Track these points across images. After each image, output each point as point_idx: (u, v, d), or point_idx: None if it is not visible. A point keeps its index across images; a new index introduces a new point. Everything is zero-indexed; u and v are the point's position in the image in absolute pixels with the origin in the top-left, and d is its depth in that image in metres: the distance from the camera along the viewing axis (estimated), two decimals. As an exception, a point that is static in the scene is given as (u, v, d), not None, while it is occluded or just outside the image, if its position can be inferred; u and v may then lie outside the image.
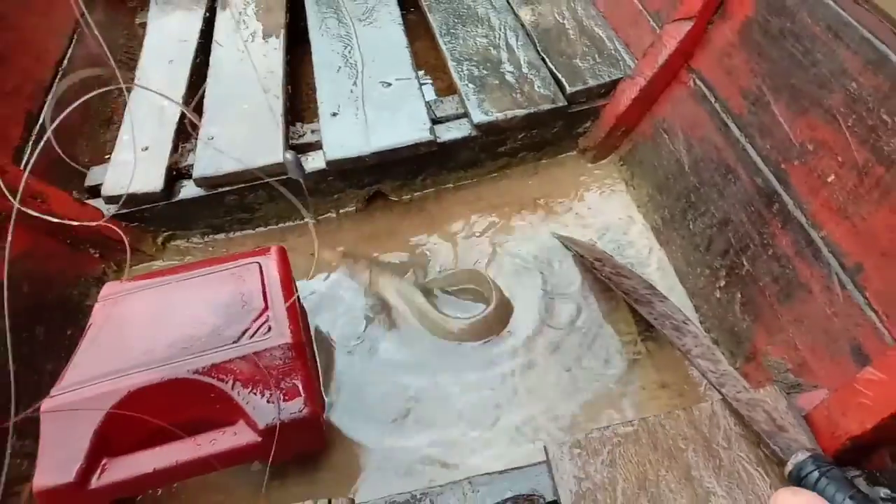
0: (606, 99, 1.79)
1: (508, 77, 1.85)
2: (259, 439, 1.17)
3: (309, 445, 1.29)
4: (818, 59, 1.26)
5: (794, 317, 1.21)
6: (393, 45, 2.01)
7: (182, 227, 1.79)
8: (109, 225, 1.48)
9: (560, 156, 1.88)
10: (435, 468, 1.29)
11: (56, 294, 1.58)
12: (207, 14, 2.24)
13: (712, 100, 1.51)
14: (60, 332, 1.49)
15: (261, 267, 1.37)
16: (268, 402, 1.18)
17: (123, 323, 1.31)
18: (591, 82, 1.79)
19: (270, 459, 1.16)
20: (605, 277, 1.47)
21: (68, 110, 1.04)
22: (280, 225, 1.81)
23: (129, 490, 1.21)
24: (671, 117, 1.65)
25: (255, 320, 1.26)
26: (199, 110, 1.88)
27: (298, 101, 2.10)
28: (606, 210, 1.73)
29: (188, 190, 1.73)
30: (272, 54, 2.04)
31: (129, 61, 2.22)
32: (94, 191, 1.75)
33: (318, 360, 1.47)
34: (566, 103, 1.77)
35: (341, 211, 1.83)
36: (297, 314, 1.31)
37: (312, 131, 1.81)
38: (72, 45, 2.05)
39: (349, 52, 2.00)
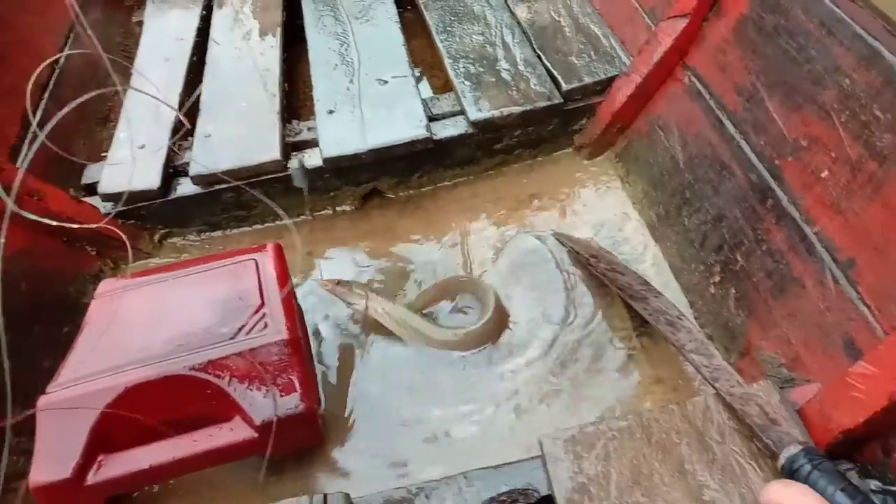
0: (602, 96, 1.80)
1: (504, 74, 1.85)
2: (255, 435, 1.18)
3: (305, 441, 1.30)
4: (812, 55, 1.26)
5: (788, 312, 1.22)
6: (389, 42, 2.01)
7: (179, 225, 1.79)
8: (110, 227, 1.48)
9: (556, 153, 1.89)
10: (430, 463, 1.29)
11: (53, 291, 1.58)
12: (204, 12, 2.24)
13: (707, 97, 1.52)
14: (57, 329, 1.50)
15: (257, 264, 1.37)
16: (264, 398, 1.19)
17: (120, 320, 1.32)
18: (587, 80, 1.79)
19: (267, 455, 1.17)
20: (600, 274, 1.47)
21: (61, 113, 1.04)
22: (277, 222, 1.81)
23: (125, 486, 1.22)
24: (666, 114, 1.66)
25: (251, 317, 1.27)
26: (195, 109, 1.88)
27: (295, 99, 2.10)
28: (602, 207, 1.74)
29: (185, 187, 1.74)
30: (269, 52, 2.04)
31: (126, 59, 2.21)
32: (91, 188, 1.76)
33: (313, 356, 1.47)
34: (562, 100, 1.78)
35: (338, 208, 1.84)
36: (294, 310, 1.32)
37: (309, 129, 1.82)
38: (68, 44, 2.05)
39: (346, 49, 2.00)
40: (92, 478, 1.14)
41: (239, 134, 1.77)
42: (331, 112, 1.80)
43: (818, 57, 1.25)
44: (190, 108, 1.90)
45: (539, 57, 1.89)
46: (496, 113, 1.75)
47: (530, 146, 1.86)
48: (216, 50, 2.07)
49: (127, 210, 1.71)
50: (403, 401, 1.40)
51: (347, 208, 1.83)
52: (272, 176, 1.72)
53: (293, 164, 1.72)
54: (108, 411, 1.17)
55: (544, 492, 1.04)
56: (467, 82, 1.84)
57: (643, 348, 1.42)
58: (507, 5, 2.08)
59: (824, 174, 1.19)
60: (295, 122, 1.86)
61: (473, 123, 1.76)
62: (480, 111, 1.76)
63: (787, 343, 1.21)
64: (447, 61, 1.92)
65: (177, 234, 1.81)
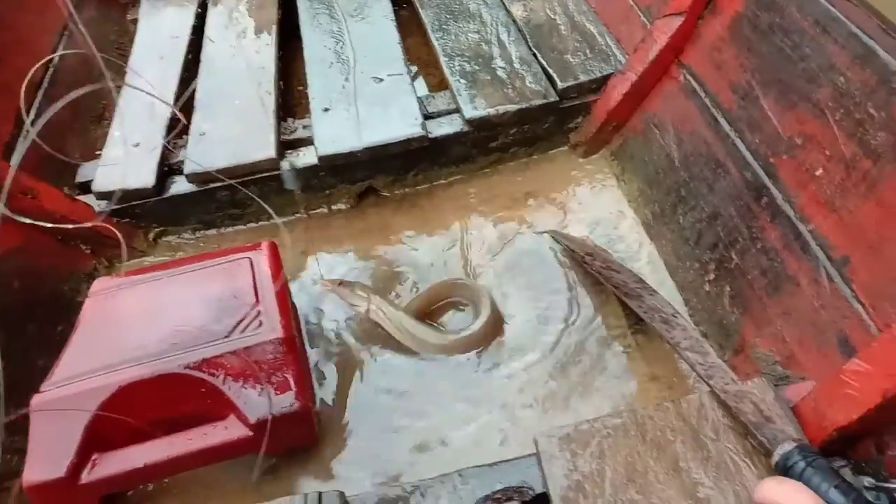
0: (597, 94, 1.80)
1: (500, 72, 1.85)
2: (250, 434, 1.18)
3: (300, 440, 1.29)
4: (807, 53, 1.26)
5: (783, 309, 1.22)
6: (385, 40, 2.01)
7: (173, 223, 1.79)
8: (106, 225, 1.48)
9: (551, 151, 1.89)
10: (425, 461, 1.29)
11: (47, 290, 1.58)
12: (199, 10, 2.23)
13: (702, 95, 1.52)
14: (51, 327, 1.49)
15: (252, 262, 1.37)
16: (259, 396, 1.18)
17: (114, 318, 1.32)
18: (583, 78, 1.79)
19: (261, 453, 1.17)
20: (595, 272, 1.47)
21: (53, 109, 1.03)
22: (272, 221, 1.81)
23: (120, 485, 1.22)
24: (662, 112, 1.66)
25: (245, 315, 1.27)
26: (190, 107, 1.88)
27: (290, 97, 2.10)
28: (597, 205, 1.74)
29: (179, 186, 1.73)
30: (264, 50, 2.04)
31: (121, 57, 2.21)
32: (85, 187, 1.75)
33: (308, 354, 1.47)
34: (557, 99, 1.78)
35: (333, 207, 1.83)
36: (288, 309, 1.32)
37: (304, 127, 1.81)
38: (62, 43, 2.04)
39: (341, 47, 2.00)
40: (86, 476, 1.14)
41: (234, 132, 1.77)
42: (326, 110, 1.80)
43: (813, 55, 1.25)
44: (185, 106, 1.90)
45: (535, 55, 1.89)
46: (492, 111, 1.75)
47: (526, 144, 1.86)
48: (211, 48, 2.07)
49: (121, 208, 1.71)
50: (399, 400, 1.40)
51: (343, 206, 1.83)
52: (267, 174, 1.71)
53: (284, 165, 1.71)
54: (100, 409, 1.17)
55: (539, 489, 1.03)
56: (463, 80, 1.83)
57: (638, 346, 1.42)
58: (503, 3, 2.08)
59: (819, 172, 1.20)
60: (290, 120, 1.85)
61: (469, 121, 1.76)
62: (476, 109, 1.75)
63: (782, 341, 1.21)
64: (443, 59, 1.92)
65: (171, 233, 1.80)
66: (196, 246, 1.79)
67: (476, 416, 1.36)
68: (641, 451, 1.03)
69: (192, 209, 1.76)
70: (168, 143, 1.78)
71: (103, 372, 1.19)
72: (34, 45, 1.95)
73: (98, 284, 1.39)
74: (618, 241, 1.64)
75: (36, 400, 1.17)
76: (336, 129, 1.74)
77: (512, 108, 1.75)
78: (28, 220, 1.09)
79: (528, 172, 1.85)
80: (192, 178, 1.71)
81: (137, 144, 1.77)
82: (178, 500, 1.29)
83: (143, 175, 1.70)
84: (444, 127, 1.78)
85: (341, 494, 1.04)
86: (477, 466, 1.08)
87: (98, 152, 1.82)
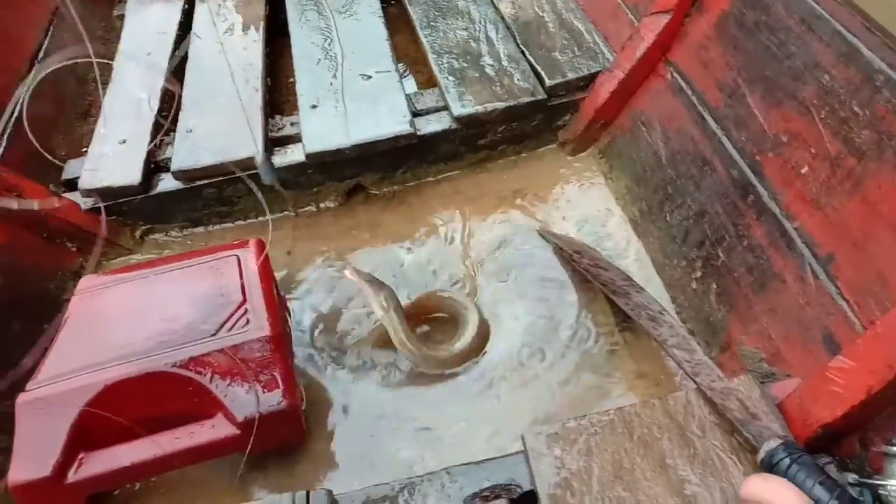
0: (585, 92, 1.80)
1: (488, 70, 1.85)
2: (238, 432, 1.17)
3: (288, 438, 1.29)
4: (792, 51, 1.27)
5: (768, 307, 1.23)
6: (373, 37, 2.01)
7: (160, 221, 1.78)
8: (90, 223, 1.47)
9: (540, 149, 1.89)
10: (414, 459, 1.29)
11: (33, 288, 1.57)
12: (186, 6, 2.22)
13: (689, 92, 1.53)
14: (37, 326, 1.48)
15: (239, 260, 1.36)
16: (246, 394, 1.18)
17: (100, 316, 1.31)
18: (571, 75, 1.80)
19: (247, 452, 1.17)
20: (583, 269, 1.48)
21: (23, 94, 1.02)
22: (259, 218, 1.80)
23: (106, 484, 1.21)
24: (649, 110, 1.66)
25: (233, 313, 1.26)
26: (177, 104, 1.87)
27: (278, 94, 2.09)
28: (585, 202, 1.74)
29: (166, 183, 1.72)
30: (251, 46, 2.03)
31: (107, 54, 2.19)
32: (71, 184, 1.74)
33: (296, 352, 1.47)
34: (546, 96, 1.78)
35: (321, 204, 1.83)
36: (276, 307, 1.31)
37: (292, 124, 1.81)
38: (48, 37, 2.03)
39: (329, 44, 1.99)
40: (72, 476, 1.14)
41: (221, 129, 1.76)
42: (314, 107, 1.79)
43: (798, 53, 1.26)
44: (171, 103, 1.89)
45: (523, 52, 1.89)
46: (480, 108, 1.75)
47: (514, 142, 1.86)
48: (198, 44, 2.06)
49: (108, 206, 1.69)
50: (388, 399, 1.40)
51: (331, 204, 1.83)
52: (254, 171, 1.70)
53: (258, 159, 1.69)
54: (88, 408, 1.16)
55: (527, 487, 1.04)
56: (451, 78, 1.83)
57: (626, 343, 1.43)
58: (491, 0, 2.08)
59: (804, 170, 1.20)
60: (278, 116, 1.85)
61: (457, 119, 1.76)
62: (464, 107, 1.75)
63: (768, 338, 1.22)
64: (431, 56, 1.92)
65: (158, 230, 1.79)
66: (183, 244, 1.78)
67: (464, 413, 1.36)
68: (628, 448, 1.03)
69: (178, 206, 1.75)
70: (154, 141, 1.77)
71: (89, 370, 1.19)
72: (18, 39, 1.93)
73: (84, 283, 1.38)
74: (605, 239, 1.64)
75: (21, 399, 1.16)
76: (324, 127, 1.74)
77: (500, 105, 1.75)
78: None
79: (516, 170, 1.85)
80: (178, 175, 1.70)
81: (124, 141, 1.76)
82: (165, 498, 1.28)
83: (129, 172, 1.69)
84: (433, 124, 1.78)
85: (329, 493, 1.04)
86: (465, 464, 1.08)
87: (84, 149, 1.80)
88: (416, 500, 1.04)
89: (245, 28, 2.10)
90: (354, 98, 1.80)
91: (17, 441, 1.14)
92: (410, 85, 2.12)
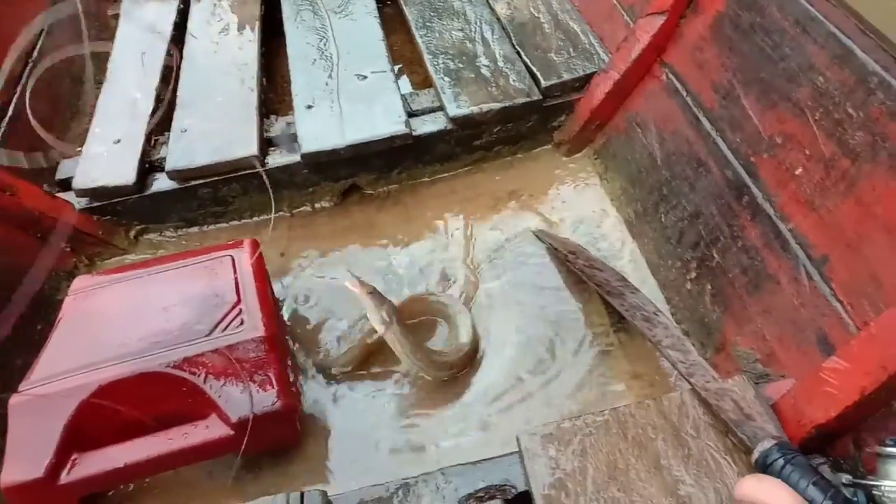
0: (581, 93, 1.80)
1: (484, 71, 1.85)
2: (232, 433, 1.17)
3: (282, 438, 1.29)
4: (787, 53, 1.27)
5: (763, 308, 1.23)
6: (368, 37, 2.00)
7: (155, 221, 1.77)
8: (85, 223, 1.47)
9: (535, 150, 1.89)
10: (409, 460, 1.29)
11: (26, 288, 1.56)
12: (181, 6, 2.21)
13: (684, 94, 1.53)
14: (30, 326, 1.48)
15: (234, 260, 1.36)
16: (240, 395, 1.18)
17: (94, 316, 1.31)
18: (566, 76, 1.80)
19: (241, 452, 1.16)
20: (578, 270, 1.48)
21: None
22: (254, 218, 1.80)
23: (100, 485, 1.21)
24: (644, 111, 1.67)
25: (227, 313, 1.26)
26: (171, 102, 1.86)
27: (273, 94, 2.08)
28: (580, 203, 1.74)
29: (161, 183, 1.72)
30: (247, 46, 2.03)
31: (102, 53, 2.19)
32: (66, 184, 1.73)
33: (293, 352, 1.47)
34: (541, 97, 1.78)
35: (316, 205, 1.83)
36: (271, 307, 1.31)
37: (287, 124, 1.80)
38: (42, 36, 2.02)
39: (324, 44, 1.99)
40: (65, 477, 1.13)
41: (216, 129, 1.76)
42: (309, 107, 1.79)
43: (793, 55, 1.26)
44: (166, 102, 1.88)
45: (518, 53, 1.89)
46: (475, 109, 1.75)
47: (509, 143, 1.86)
48: (193, 44, 2.05)
49: (102, 206, 1.69)
50: (383, 399, 1.40)
51: (326, 204, 1.82)
52: (250, 171, 1.70)
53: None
54: (83, 405, 1.16)
55: (522, 488, 1.04)
56: (447, 78, 1.83)
57: (620, 344, 1.43)
58: (487, 1, 2.08)
59: (798, 171, 1.21)
60: (273, 117, 1.84)
61: (453, 119, 1.75)
62: (460, 107, 1.75)
63: (762, 339, 1.22)
64: (427, 57, 1.92)
65: (153, 230, 1.79)
66: (178, 244, 1.78)
67: (459, 414, 1.36)
68: (623, 448, 1.03)
69: (173, 206, 1.75)
70: (149, 139, 1.76)
71: (83, 371, 1.19)
72: (10, 39, 1.93)
73: (78, 283, 1.37)
74: (600, 240, 1.64)
75: (14, 399, 1.16)
76: (319, 127, 1.73)
77: (496, 106, 1.75)
78: None
79: (511, 171, 1.85)
80: (173, 175, 1.69)
81: (118, 141, 1.75)
82: (159, 499, 1.28)
83: (124, 172, 1.68)
84: (428, 125, 1.78)
85: (324, 494, 1.04)
86: (460, 465, 1.08)
87: (79, 149, 1.80)
88: (411, 500, 1.04)
89: (240, 28, 2.10)
90: (350, 98, 1.79)
91: (9, 442, 1.13)
92: (406, 85, 2.12)
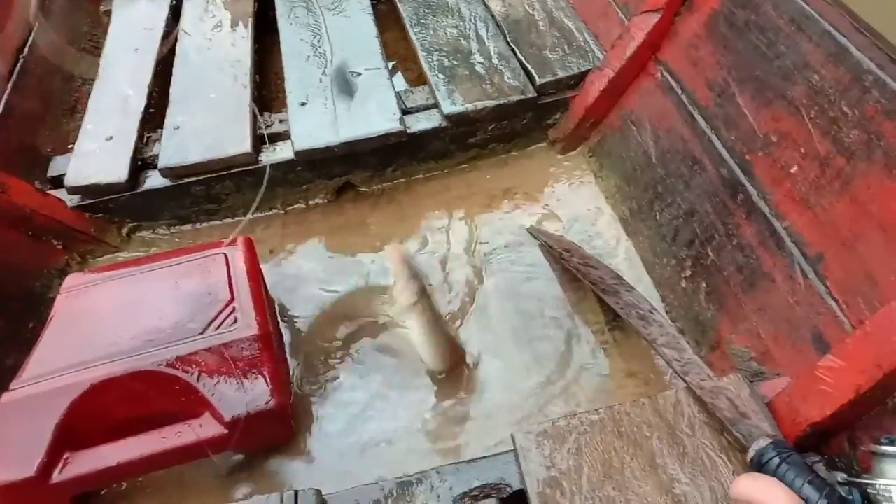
0: (576, 90, 1.80)
1: (478, 68, 1.84)
2: (225, 431, 1.16)
3: (276, 437, 1.28)
4: (782, 51, 1.27)
5: (758, 306, 1.23)
6: (363, 34, 1.99)
7: (148, 218, 1.76)
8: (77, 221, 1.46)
9: (530, 147, 1.88)
10: (403, 459, 1.28)
11: (18, 286, 1.55)
12: (174, 2, 2.20)
13: (679, 91, 1.53)
14: (22, 324, 1.47)
15: (227, 258, 1.35)
16: (234, 393, 1.17)
17: (86, 315, 1.30)
18: (561, 74, 1.79)
19: (235, 451, 1.16)
20: (573, 268, 1.48)
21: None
22: (248, 216, 1.79)
23: (92, 484, 1.20)
24: (639, 109, 1.66)
25: (220, 312, 1.25)
26: (164, 99, 1.85)
27: (267, 91, 2.07)
28: (575, 201, 1.74)
29: (153, 180, 1.70)
30: (240, 43, 2.01)
31: (94, 49, 2.18)
32: (57, 181, 1.72)
33: (286, 351, 1.46)
34: (536, 94, 1.77)
35: (310, 202, 1.82)
36: (264, 305, 1.30)
37: (281, 121, 1.79)
38: (32, 34, 2.01)
39: (318, 41, 1.98)
40: (57, 476, 1.13)
41: (209, 126, 1.75)
42: (303, 104, 1.78)
43: (788, 53, 1.26)
44: (159, 99, 1.87)
45: (513, 50, 1.88)
46: (470, 106, 1.74)
47: (504, 140, 1.86)
48: (186, 41, 2.04)
49: (94, 203, 1.68)
50: (377, 397, 1.39)
51: (320, 202, 1.82)
52: (243, 169, 1.69)
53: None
54: (74, 407, 1.15)
55: (516, 486, 1.03)
56: (441, 75, 1.83)
57: (615, 342, 1.43)
58: (482, -2, 2.08)
59: (794, 169, 1.20)
60: (266, 114, 1.83)
61: (447, 117, 1.75)
62: (454, 104, 1.75)
63: (757, 337, 1.22)
64: (421, 54, 1.91)
65: (146, 228, 1.78)
66: (171, 241, 1.77)
67: (453, 412, 1.35)
68: (618, 447, 1.03)
69: (166, 204, 1.74)
70: (142, 136, 1.75)
71: (75, 369, 1.18)
72: (4, 35, 1.91)
73: (70, 280, 1.36)
74: (595, 238, 1.64)
75: (5, 398, 1.15)
76: (313, 124, 1.73)
77: (490, 103, 1.74)
78: None
79: (506, 168, 1.85)
80: (165, 172, 1.68)
81: (111, 138, 1.74)
82: (152, 498, 1.27)
83: (116, 169, 1.67)
84: (423, 122, 1.77)
85: (318, 493, 1.04)
86: (454, 463, 1.08)
87: (70, 146, 1.79)
88: (406, 499, 1.04)
89: (233, 24, 2.09)
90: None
91: (0, 441, 1.12)
92: (400, 82, 2.11)
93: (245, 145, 1.69)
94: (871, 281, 1.03)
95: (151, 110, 1.85)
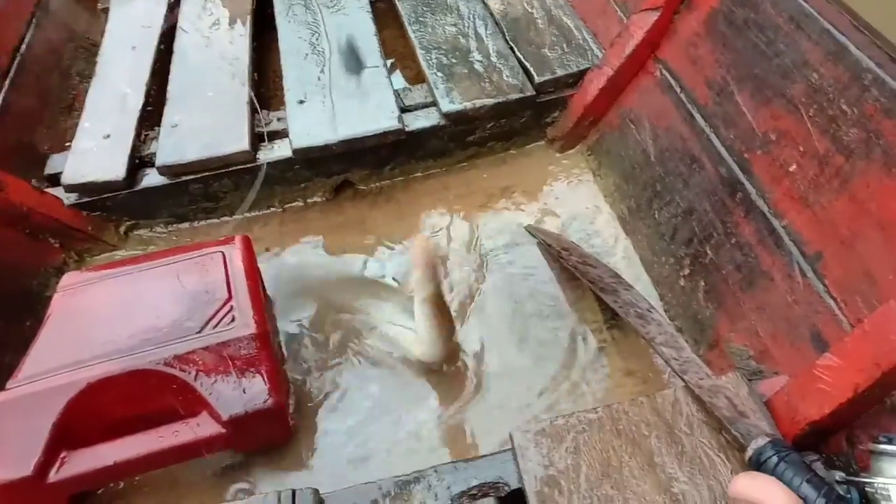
0: (574, 89, 1.79)
1: (477, 66, 1.84)
2: (223, 430, 1.16)
3: (274, 436, 1.28)
4: (781, 49, 1.27)
5: (756, 304, 1.23)
6: (361, 32, 1.99)
7: (145, 217, 1.76)
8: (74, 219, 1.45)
9: (528, 146, 1.88)
10: (401, 458, 1.28)
11: (15, 284, 1.54)
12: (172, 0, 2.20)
13: (678, 90, 1.52)
14: (19, 323, 1.46)
15: (224, 256, 1.35)
16: (231, 392, 1.17)
17: (84, 313, 1.29)
18: (560, 72, 1.79)
19: (233, 450, 1.15)
20: (571, 267, 1.47)
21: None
22: (245, 214, 1.79)
23: (89, 483, 1.20)
24: (638, 107, 1.66)
25: (218, 310, 1.25)
26: (162, 97, 1.85)
27: (265, 89, 2.07)
28: (574, 200, 1.74)
29: (151, 178, 1.70)
30: (238, 41, 2.01)
31: (92, 47, 2.17)
32: (55, 179, 1.71)
33: (283, 349, 1.46)
34: (534, 93, 1.77)
35: (308, 200, 1.81)
36: (262, 304, 1.30)
37: (279, 119, 1.79)
38: (30, 30, 2.00)
39: (316, 39, 1.98)
40: (54, 475, 1.12)
41: (207, 124, 1.74)
42: (301, 102, 1.78)
43: (787, 51, 1.26)
44: (157, 97, 1.87)
45: (512, 49, 1.88)
46: (468, 105, 1.74)
47: (503, 138, 1.85)
48: (184, 38, 2.04)
49: (92, 201, 1.68)
50: (375, 397, 1.39)
51: (319, 200, 1.81)
52: (241, 167, 1.69)
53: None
54: (71, 406, 1.15)
55: (515, 485, 1.03)
56: (440, 73, 1.82)
57: (614, 341, 1.43)
58: (480, -4, 2.07)
59: (792, 168, 1.20)
60: (265, 112, 1.83)
61: (446, 115, 1.75)
62: (453, 103, 1.74)
63: (756, 335, 1.22)
64: (419, 52, 1.90)
65: (143, 226, 1.77)
66: (168, 240, 1.76)
67: (451, 412, 1.35)
68: (616, 446, 1.03)
69: (164, 202, 1.73)
70: (139, 134, 1.75)
71: (72, 368, 1.18)
72: (1, 33, 1.91)
73: (67, 279, 1.36)
74: (594, 236, 1.64)
75: (2, 397, 1.14)
76: (311, 122, 1.72)
77: (489, 101, 1.74)
78: None
79: (504, 167, 1.85)
80: (163, 170, 1.68)
81: (108, 136, 1.74)
82: (149, 497, 1.26)
83: (113, 167, 1.67)
84: (421, 120, 1.77)
85: (315, 492, 1.03)
86: (452, 462, 1.07)
87: (68, 144, 1.78)
88: (404, 498, 1.03)
89: (232, 22, 2.08)
90: (342, 93, 1.78)
91: (-3, 440, 1.12)
92: (399, 81, 2.11)
93: (243, 143, 1.68)
94: (869, 279, 1.03)
95: (149, 108, 1.84)
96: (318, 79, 1.84)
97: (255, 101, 1.80)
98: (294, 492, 1.02)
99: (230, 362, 1.18)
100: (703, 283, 1.37)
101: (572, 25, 1.91)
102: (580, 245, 1.58)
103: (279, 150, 1.72)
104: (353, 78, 1.83)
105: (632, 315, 1.30)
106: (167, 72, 1.93)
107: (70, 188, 1.67)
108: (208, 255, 1.35)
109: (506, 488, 1.04)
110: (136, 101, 1.83)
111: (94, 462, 1.14)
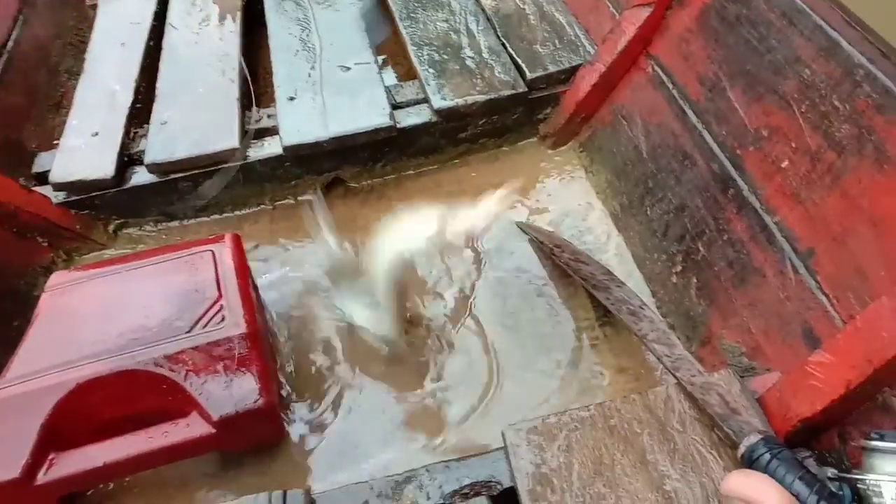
0: (566, 85, 1.79)
1: (469, 62, 1.83)
2: (213, 431, 1.15)
3: (265, 436, 1.27)
4: (773, 45, 1.27)
5: (749, 301, 1.23)
6: (352, 28, 1.98)
7: (134, 215, 1.74)
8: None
9: (520, 142, 1.87)
10: (392, 458, 1.27)
11: (2, 284, 1.53)
12: (161, -4, 2.18)
13: (670, 86, 1.52)
14: (6, 323, 1.45)
15: (214, 255, 1.34)
16: (222, 392, 1.16)
17: (72, 313, 1.28)
18: (552, 68, 1.78)
19: (223, 450, 1.15)
20: (563, 264, 1.47)
21: None
22: (236, 212, 1.77)
23: (78, 485, 1.18)
24: (630, 103, 1.66)
25: (208, 310, 1.24)
26: (151, 94, 1.83)
27: (255, 86, 2.05)
28: (566, 196, 1.73)
29: (140, 176, 1.69)
30: (228, 37, 2.00)
31: (80, 44, 2.15)
32: (42, 177, 1.70)
33: (275, 349, 1.45)
34: (526, 89, 1.76)
35: (299, 198, 1.80)
36: (252, 303, 1.29)
37: (269, 116, 1.78)
38: (17, 27, 1.98)
39: (307, 35, 1.96)
40: (42, 477, 1.11)
41: (196, 121, 1.73)
42: (291, 99, 1.77)
43: (779, 47, 1.25)
44: (146, 94, 1.85)
45: (503, 45, 1.87)
46: (460, 101, 1.73)
47: (495, 135, 1.85)
48: (173, 35, 2.02)
49: (80, 199, 1.66)
50: (367, 395, 1.38)
51: (309, 197, 1.80)
52: (231, 164, 1.68)
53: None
54: (60, 407, 1.13)
55: (507, 484, 1.03)
56: (431, 70, 1.81)
57: (606, 338, 1.42)
58: (472, -8, 2.06)
59: (784, 164, 1.20)
60: (255, 109, 1.82)
61: (437, 112, 1.74)
62: (444, 99, 1.73)
63: (748, 332, 1.22)
64: (411, 48, 1.90)
65: (132, 225, 1.75)
66: (158, 238, 1.75)
67: (443, 410, 1.34)
68: (609, 443, 1.03)
69: (153, 200, 1.72)
70: (128, 132, 1.73)
71: (60, 369, 1.16)
72: None
73: (55, 278, 1.35)
74: (586, 233, 1.63)
75: (-11, 398, 1.13)
76: (301, 119, 1.71)
77: (481, 98, 1.73)
78: None
79: (496, 163, 1.84)
80: (152, 168, 1.66)
81: (96, 134, 1.72)
82: (138, 499, 1.25)
83: (102, 165, 1.65)
84: (413, 117, 1.76)
85: (307, 492, 1.03)
86: (444, 461, 1.07)
87: (56, 142, 1.76)
88: (396, 498, 1.03)
89: (221, 18, 2.07)
90: (333, 90, 1.77)
91: (-16, 442, 1.11)
92: (390, 77, 2.09)
93: (233, 141, 1.67)
94: (861, 276, 1.03)
95: (138, 105, 1.82)
96: (309, 75, 1.83)
97: (252, 95, 1.79)
98: (285, 492, 1.02)
99: (220, 362, 1.17)
100: (695, 280, 1.37)
101: (564, 21, 1.91)
102: (572, 242, 1.58)
103: (269, 147, 1.71)
104: (344, 74, 1.82)
105: (624, 312, 1.29)
106: (156, 69, 1.91)
107: (58, 186, 1.65)
108: (198, 254, 1.34)
109: (498, 487, 1.03)
110: (125, 98, 1.81)
111: (83, 463, 1.13)
